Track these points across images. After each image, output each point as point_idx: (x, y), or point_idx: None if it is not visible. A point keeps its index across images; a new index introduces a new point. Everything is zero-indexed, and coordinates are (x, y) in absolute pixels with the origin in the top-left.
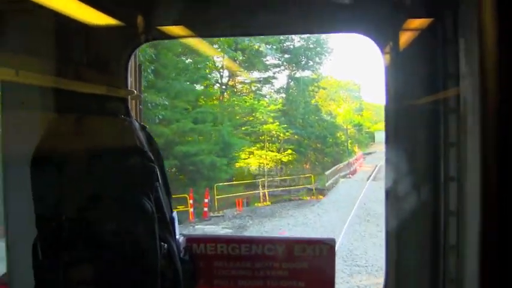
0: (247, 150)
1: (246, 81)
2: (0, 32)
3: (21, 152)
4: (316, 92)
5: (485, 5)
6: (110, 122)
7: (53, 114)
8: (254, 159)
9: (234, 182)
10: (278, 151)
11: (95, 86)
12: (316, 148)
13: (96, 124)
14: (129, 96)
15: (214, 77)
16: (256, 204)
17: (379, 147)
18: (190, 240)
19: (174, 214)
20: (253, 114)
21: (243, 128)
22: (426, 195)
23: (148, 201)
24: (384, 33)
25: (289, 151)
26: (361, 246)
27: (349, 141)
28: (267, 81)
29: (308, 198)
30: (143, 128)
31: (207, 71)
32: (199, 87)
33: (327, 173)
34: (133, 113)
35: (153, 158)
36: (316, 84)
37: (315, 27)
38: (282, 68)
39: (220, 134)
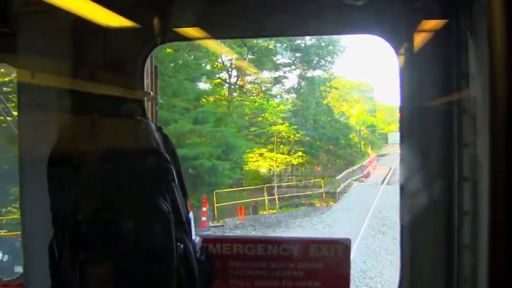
0: (257, 152)
1: (256, 81)
2: (17, 33)
3: (38, 152)
4: (328, 92)
5: (494, 5)
6: (126, 123)
7: (69, 115)
8: (263, 162)
9: (236, 188)
10: (288, 153)
11: (112, 87)
12: (329, 150)
13: (112, 125)
14: (145, 98)
15: (221, 76)
16: (261, 211)
17: (393, 148)
18: (206, 240)
19: (191, 215)
20: (263, 115)
21: (251, 129)
22: (440, 195)
23: (165, 202)
24: (398, 35)
25: (300, 153)
26: (376, 265)
27: (362, 142)
28: (277, 80)
29: (318, 204)
30: (159, 129)
31: (212, 68)
32: (203, 85)
33: (339, 177)
34: (149, 114)
35: (169, 159)
36: (328, 84)
37: (329, 29)
38: (293, 67)
39: (223, 136)
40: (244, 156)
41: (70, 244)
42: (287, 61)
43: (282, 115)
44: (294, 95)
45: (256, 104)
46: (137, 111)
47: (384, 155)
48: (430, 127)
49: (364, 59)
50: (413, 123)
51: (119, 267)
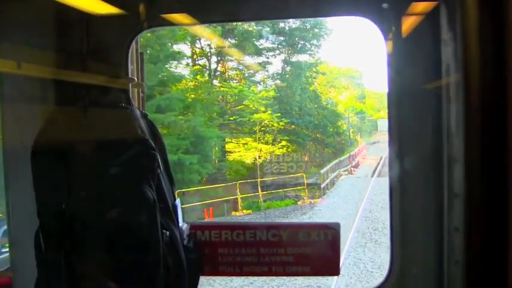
0: (241, 142)
1: (239, 67)
2: None
3: (22, 143)
4: (315, 78)
5: None
6: (111, 111)
7: (53, 104)
8: (247, 153)
9: (205, 187)
10: (273, 143)
11: (96, 74)
12: (316, 138)
13: (97, 113)
14: (130, 84)
15: (196, 60)
16: (234, 213)
17: (383, 136)
18: (194, 227)
19: (178, 202)
20: (244, 103)
21: (230, 118)
22: (430, 178)
23: (150, 189)
24: (386, 17)
25: (284, 142)
26: None
27: (351, 130)
28: (260, 66)
29: (300, 203)
30: (145, 116)
31: (190, 53)
32: (180, 70)
33: (323, 171)
34: (135, 101)
35: (154, 146)
36: (314, 69)
37: (316, 11)
38: (277, 51)
39: (191, 126)
40: (219, 148)
41: (55, 234)
42: (270, 45)
43: (264, 102)
44: (278, 81)
45: (235, 90)
46: (122, 98)
47: (374, 142)
48: (419, 112)
49: (352, 43)
50: (402, 108)
51: (105, 256)
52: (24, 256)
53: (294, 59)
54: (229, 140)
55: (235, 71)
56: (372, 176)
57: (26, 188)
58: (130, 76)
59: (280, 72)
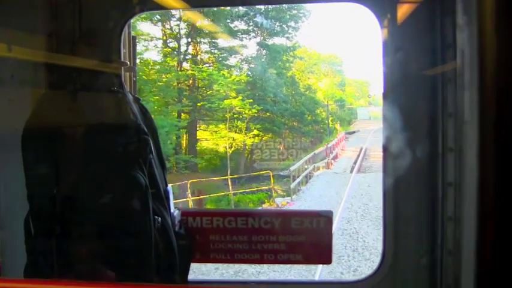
0: (212, 130)
1: (212, 50)
2: None
3: (12, 126)
4: (292, 63)
5: None
6: (103, 95)
7: (45, 87)
8: (218, 142)
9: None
10: (244, 132)
11: (88, 58)
12: (293, 127)
13: (89, 97)
14: (123, 68)
15: (168, 43)
16: None
17: (363, 124)
18: (186, 213)
19: (169, 188)
20: (214, 88)
21: (198, 104)
22: (424, 166)
23: (142, 175)
24: (382, 4)
25: (256, 131)
26: None
27: (331, 118)
28: (234, 49)
29: (266, 205)
30: (137, 100)
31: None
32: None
33: (293, 167)
34: (127, 85)
35: (147, 131)
36: (291, 53)
37: None
38: (253, 34)
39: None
40: (188, 137)
41: (46, 218)
42: (245, 27)
43: (235, 87)
44: (253, 65)
45: (204, 74)
46: (114, 82)
47: (353, 132)
48: (414, 98)
49: (333, 28)
50: (397, 95)
51: (96, 241)
52: (13, 240)
53: (269, 41)
54: (199, 128)
55: (208, 54)
56: (351, 172)
57: (16, 171)
58: (122, 60)
59: (254, 55)
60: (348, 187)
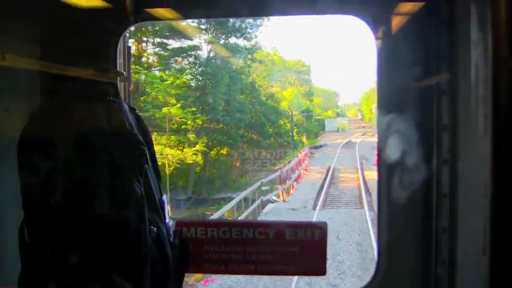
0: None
1: (159, 51)
2: None
3: (8, 134)
4: (250, 67)
5: None
6: (99, 105)
7: (41, 96)
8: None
9: None
10: (179, 146)
11: (84, 68)
12: (252, 140)
13: (84, 107)
14: (118, 78)
15: None
16: None
17: (330, 137)
18: (181, 223)
19: (164, 197)
20: (151, 93)
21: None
22: (419, 178)
23: (138, 185)
24: (377, 16)
25: (198, 146)
26: None
27: (296, 130)
28: (183, 50)
29: None
30: (132, 110)
31: None
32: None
33: (227, 207)
34: (122, 95)
35: (142, 140)
36: (250, 56)
37: (305, 8)
38: (203, 32)
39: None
40: None
41: (40, 227)
42: (196, 24)
43: (174, 92)
44: (205, 68)
45: (137, 76)
46: (110, 92)
47: (319, 146)
48: (408, 110)
49: (302, 33)
50: (391, 106)
51: (91, 250)
52: (8, 248)
53: (223, 41)
54: None
55: (155, 56)
56: (314, 208)
57: (11, 179)
58: (118, 70)
59: (205, 56)
60: None
